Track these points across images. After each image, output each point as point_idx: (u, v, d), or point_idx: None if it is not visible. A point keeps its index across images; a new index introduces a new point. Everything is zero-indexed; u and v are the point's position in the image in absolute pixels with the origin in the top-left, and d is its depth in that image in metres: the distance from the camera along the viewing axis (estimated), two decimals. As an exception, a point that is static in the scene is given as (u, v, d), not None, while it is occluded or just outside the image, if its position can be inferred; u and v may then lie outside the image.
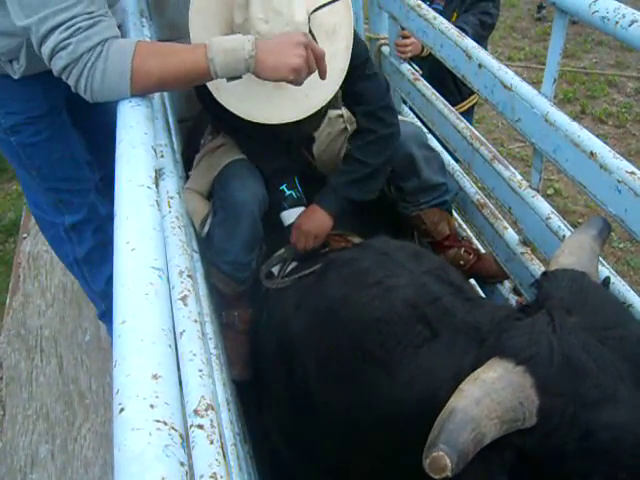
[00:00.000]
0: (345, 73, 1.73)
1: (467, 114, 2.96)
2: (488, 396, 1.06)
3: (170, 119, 2.13)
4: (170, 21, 2.81)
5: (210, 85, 1.63)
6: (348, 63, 1.74)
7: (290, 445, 1.82)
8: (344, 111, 2.20)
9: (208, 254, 1.94)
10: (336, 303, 1.61)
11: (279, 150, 2.03)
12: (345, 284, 1.63)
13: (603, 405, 1.08)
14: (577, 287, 1.26)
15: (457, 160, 2.48)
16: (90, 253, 2.25)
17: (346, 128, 2.18)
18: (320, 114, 2.06)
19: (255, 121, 1.69)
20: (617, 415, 1.07)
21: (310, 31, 1.64)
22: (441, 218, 2.24)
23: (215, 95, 1.68)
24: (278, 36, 1.51)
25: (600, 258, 1.72)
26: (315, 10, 1.64)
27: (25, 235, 3.39)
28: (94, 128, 2.07)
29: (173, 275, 1.25)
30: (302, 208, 2.01)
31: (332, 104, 2.03)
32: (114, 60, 1.38)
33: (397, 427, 1.38)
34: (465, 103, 3.01)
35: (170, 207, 1.41)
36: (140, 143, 1.21)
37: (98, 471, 2.30)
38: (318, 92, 1.69)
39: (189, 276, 1.27)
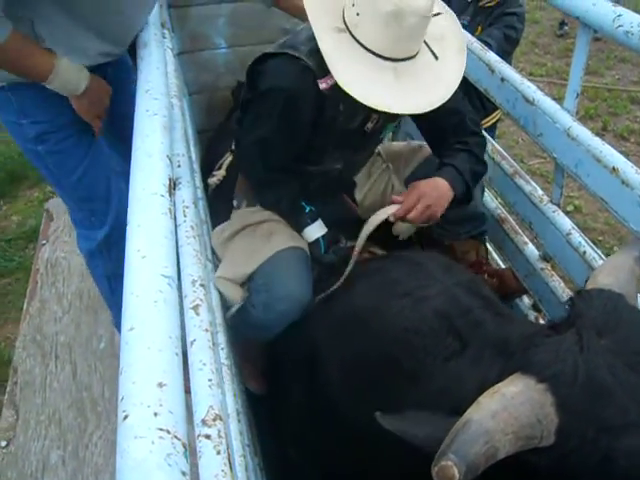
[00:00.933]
0: (462, 73, 1.67)
1: (490, 130, 2.96)
2: (505, 410, 1.04)
3: (189, 130, 2.15)
4: (192, 32, 2.84)
5: (329, 64, 1.54)
6: (464, 64, 1.68)
7: (304, 454, 1.80)
8: (380, 148, 2.14)
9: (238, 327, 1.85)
10: (365, 312, 1.59)
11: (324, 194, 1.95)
12: (375, 294, 1.62)
13: (626, 431, 1.04)
14: (611, 308, 1.22)
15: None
16: (120, 266, 2.25)
17: (388, 167, 2.13)
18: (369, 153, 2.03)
19: (378, 108, 1.55)
20: (638, 442, 1.04)
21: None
22: (472, 247, 2.20)
23: (334, 74, 1.53)
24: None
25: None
26: None
27: (44, 242, 3.42)
28: (117, 119, 2.07)
29: (186, 284, 1.26)
30: (320, 221, 1.90)
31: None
32: None
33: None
34: (489, 119, 3.00)
35: (185, 216, 1.41)
36: (155, 152, 1.21)
37: (108, 478, 2.30)
38: (437, 88, 1.62)
39: (202, 285, 1.27)
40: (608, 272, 1.35)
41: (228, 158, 2.03)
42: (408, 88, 1.57)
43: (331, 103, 1.69)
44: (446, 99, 1.61)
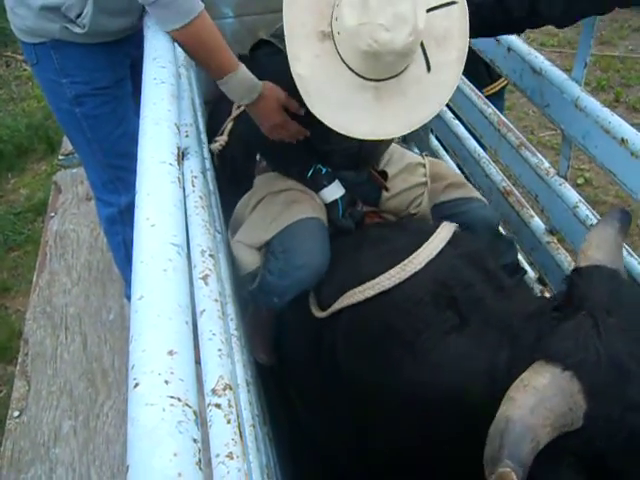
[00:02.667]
0: (454, 89, 1.52)
1: (498, 97, 2.91)
2: (542, 404, 1.05)
3: (196, 99, 2.13)
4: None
5: (301, 89, 1.46)
6: (459, 77, 1.52)
7: (314, 421, 1.83)
8: (427, 162, 2.05)
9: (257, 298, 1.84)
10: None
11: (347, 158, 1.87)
12: (380, 261, 1.61)
13: None
14: (613, 286, 1.24)
15: (483, 147, 2.44)
16: None
17: (426, 183, 2.00)
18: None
19: (352, 136, 1.48)
20: None
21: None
22: None
23: (305, 100, 1.47)
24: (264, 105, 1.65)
25: (629, 248, 1.69)
26: (429, 10, 1.43)
27: (53, 214, 3.43)
28: None
29: (195, 254, 1.25)
30: (337, 182, 1.88)
31: (415, 142, 1.93)
32: (181, 3, 1.50)
33: (419, 409, 1.37)
34: (495, 85, 2.95)
35: (194, 186, 1.40)
36: (163, 120, 1.20)
37: (119, 448, 2.32)
38: (423, 106, 1.50)
39: (211, 256, 1.26)
40: (597, 246, 1.36)
41: (230, 124, 2.01)
42: (389, 111, 1.47)
43: None
44: (429, 119, 1.53)
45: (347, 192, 1.89)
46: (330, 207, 1.87)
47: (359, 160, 1.90)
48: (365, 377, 1.52)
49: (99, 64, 1.89)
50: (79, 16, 1.76)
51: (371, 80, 1.44)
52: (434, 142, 2.81)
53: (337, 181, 1.88)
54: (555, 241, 2.02)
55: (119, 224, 2.24)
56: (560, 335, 1.18)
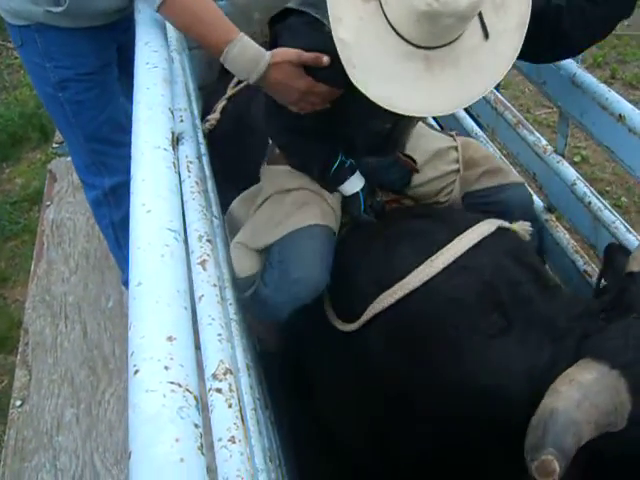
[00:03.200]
0: (514, 60, 1.35)
1: None
2: (587, 399, 1.04)
3: (190, 84, 2.11)
4: None
5: (342, 56, 1.29)
6: (519, 46, 1.34)
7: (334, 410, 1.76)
8: (459, 144, 1.88)
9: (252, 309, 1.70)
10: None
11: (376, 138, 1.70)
12: (413, 258, 1.52)
13: None
14: None
15: (481, 126, 2.43)
16: (127, 217, 2.25)
17: (458, 170, 1.85)
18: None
19: (397, 111, 1.33)
20: None
21: None
22: None
23: (347, 70, 1.30)
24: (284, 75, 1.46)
25: (617, 215, 1.69)
26: None
27: (48, 203, 3.41)
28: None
29: (192, 240, 1.24)
30: (358, 173, 1.73)
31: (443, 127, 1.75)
32: None
33: (455, 409, 1.35)
34: None
35: (189, 172, 1.39)
36: (157, 105, 1.19)
37: (122, 434, 2.33)
38: (477, 80, 1.33)
39: (208, 241, 1.26)
40: None
41: (223, 102, 1.92)
42: (439, 84, 1.31)
43: None
44: (483, 94, 1.37)
45: (368, 180, 1.75)
46: (351, 200, 1.73)
47: (388, 144, 1.76)
48: (405, 381, 1.47)
49: (83, 49, 1.87)
50: None
51: (422, 48, 1.28)
52: (431, 121, 2.78)
53: (358, 173, 1.72)
54: (554, 219, 2.02)
55: (105, 206, 2.23)
56: (609, 335, 1.17)
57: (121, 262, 2.47)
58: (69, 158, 3.61)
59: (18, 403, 2.49)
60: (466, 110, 2.44)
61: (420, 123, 1.89)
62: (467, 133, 2.42)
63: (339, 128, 1.65)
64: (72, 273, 3.00)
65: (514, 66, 1.97)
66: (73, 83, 1.90)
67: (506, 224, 1.62)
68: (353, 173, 1.71)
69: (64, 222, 3.28)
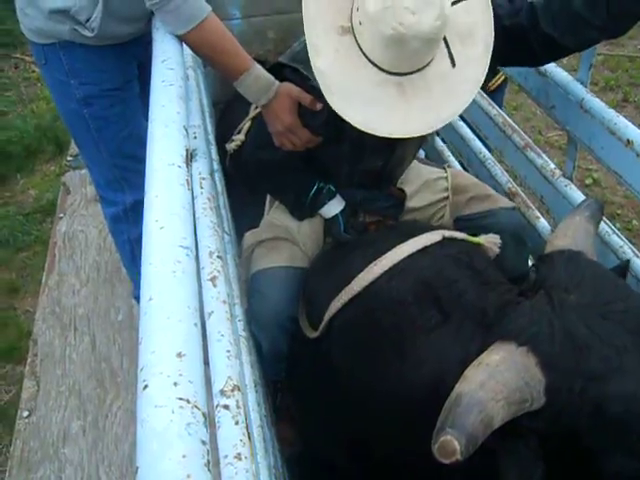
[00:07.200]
0: (481, 84, 1.46)
1: (498, 94, 2.89)
2: (493, 378, 1.07)
3: (204, 101, 2.13)
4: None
5: (322, 84, 1.40)
6: (486, 71, 1.45)
7: (309, 414, 1.85)
8: (449, 174, 1.99)
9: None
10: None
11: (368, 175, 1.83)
12: (362, 264, 1.61)
13: (610, 377, 1.08)
14: (574, 266, 1.27)
15: (489, 148, 2.44)
16: None
17: (447, 197, 1.94)
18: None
19: (377, 134, 1.41)
20: (625, 386, 1.07)
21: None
22: None
23: (326, 96, 1.40)
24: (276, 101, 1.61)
25: (625, 239, 1.69)
26: (453, 3, 1.38)
27: (61, 215, 3.44)
28: None
29: (203, 256, 1.25)
30: (338, 196, 1.84)
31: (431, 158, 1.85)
32: (187, 9, 1.53)
33: (406, 409, 1.38)
34: (495, 80, 2.94)
35: (202, 188, 1.41)
36: (172, 122, 1.21)
37: (128, 448, 2.33)
38: (450, 102, 1.44)
39: (219, 257, 1.27)
40: (563, 234, 1.39)
41: (247, 124, 1.98)
42: (414, 108, 1.41)
43: None
44: (457, 114, 1.47)
45: (357, 207, 1.87)
46: (330, 222, 1.85)
47: (382, 179, 1.86)
48: (358, 381, 1.53)
49: (108, 65, 1.91)
50: (88, 20, 1.77)
51: (394, 74, 1.39)
52: (439, 143, 2.80)
53: (338, 196, 1.84)
54: None
55: (124, 223, 2.24)
56: (515, 314, 1.21)
57: (134, 276, 2.48)
58: (83, 171, 3.66)
59: (25, 414, 2.49)
60: (474, 132, 2.45)
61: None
62: (475, 155, 2.43)
63: (332, 166, 1.78)
64: (83, 285, 3.02)
65: (523, 90, 2.00)
66: (98, 99, 1.93)
67: (457, 234, 1.68)
68: (332, 198, 1.83)
69: (76, 234, 3.30)
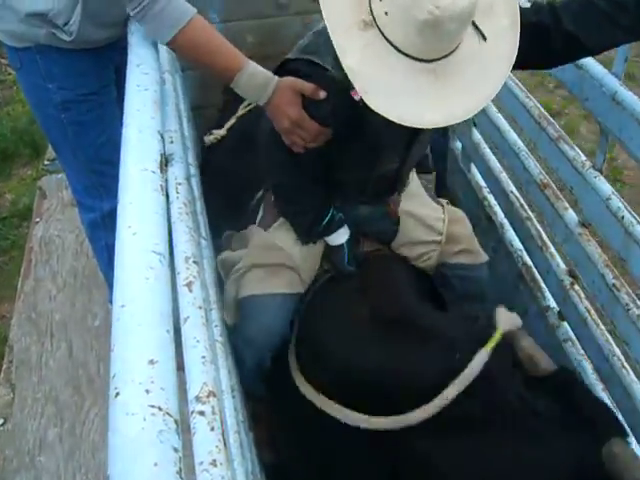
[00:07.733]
0: (513, 62, 1.39)
1: None
2: None
3: (182, 105, 2.12)
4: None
5: (355, 82, 1.33)
6: (517, 46, 1.38)
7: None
8: (446, 218, 1.98)
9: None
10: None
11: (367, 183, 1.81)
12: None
13: None
14: None
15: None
16: None
17: (439, 243, 1.95)
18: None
19: (416, 126, 1.37)
20: None
21: None
22: None
23: (361, 94, 1.34)
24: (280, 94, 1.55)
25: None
26: None
27: (37, 220, 3.40)
28: None
29: (179, 261, 1.25)
30: (346, 227, 1.83)
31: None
32: (172, 11, 1.49)
33: None
34: None
35: (178, 193, 1.40)
36: (146, 127, 1.20)
37: (104, 456, 2.29)
38: (484, 84, 1.39)
39: (195, 262, 1.26)
40: None
41: (232, 120, 1.96)
42: (450, 93, 1.36)
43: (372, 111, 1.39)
44: (493, 95, 1.40)
45: (355, 228, 1.87)
46: (334, 251, 1.83)
47: (397, 183, 1.86)
48: None
49: (85, 70, 1.89)
50: (66, 24, 1.75)
51: (426, 61, 1.34)
52: (477, 135, 2.80)
53: (345, 226, 1.83)
54: (587, 233, 2.03)
55: (101, 229, 2.22)
56: None
57: (111, 281, 2.46)
58: (60, 175, 3.62)
59: (0, 422, 2.46)
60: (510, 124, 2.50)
61: (416, 181, 2.02)
62: (510, 146, 2.45)
63: (348, 174, 1.75)
64: (59, 291, 2.98)
65: (560, 81, 2.06)
66: (76, 104, 1.91)
67: None
68: (341, 226, 1.81)
69: (52, 239, 3.27)
